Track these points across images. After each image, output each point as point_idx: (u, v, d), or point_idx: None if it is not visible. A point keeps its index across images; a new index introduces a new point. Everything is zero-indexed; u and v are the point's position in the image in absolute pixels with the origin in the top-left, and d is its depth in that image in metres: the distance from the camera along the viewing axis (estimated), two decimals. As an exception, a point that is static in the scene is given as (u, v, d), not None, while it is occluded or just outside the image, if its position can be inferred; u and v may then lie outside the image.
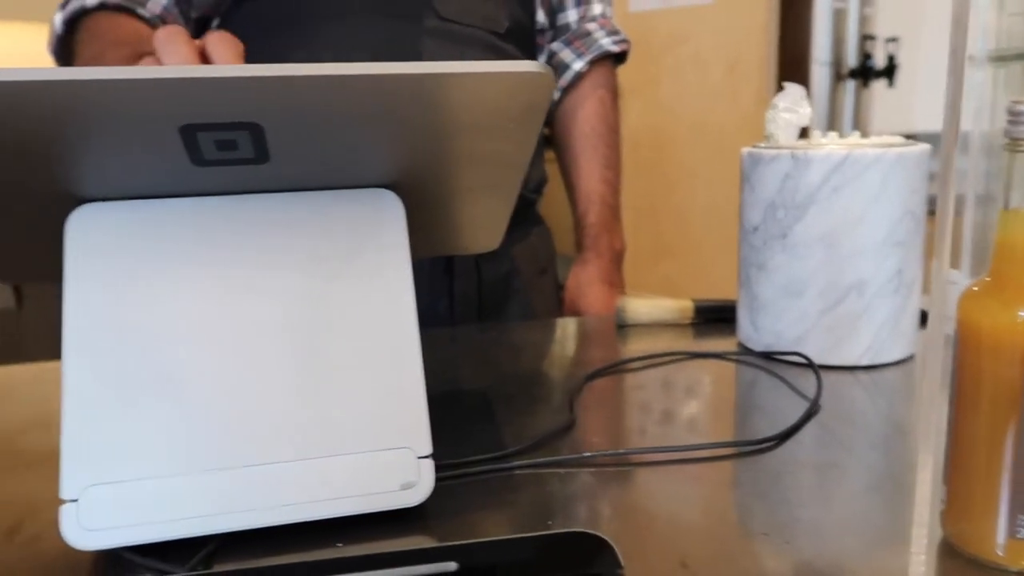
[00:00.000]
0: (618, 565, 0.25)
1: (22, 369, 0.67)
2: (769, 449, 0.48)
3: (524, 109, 0.39)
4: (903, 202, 0.58)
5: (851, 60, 2.11)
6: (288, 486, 0.38)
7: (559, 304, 0.94)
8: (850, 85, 2.13)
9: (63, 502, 0.36)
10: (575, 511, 0.40)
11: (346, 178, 0.43)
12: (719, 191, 1.88)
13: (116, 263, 0.40)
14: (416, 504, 0.39)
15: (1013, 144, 0.32)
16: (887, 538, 0.38)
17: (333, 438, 0.39)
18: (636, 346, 0.70)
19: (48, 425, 0.54)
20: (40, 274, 0.46)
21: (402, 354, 0.41)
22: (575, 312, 0.89)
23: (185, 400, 0.38)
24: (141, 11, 0.76)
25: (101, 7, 0.75)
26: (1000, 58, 0.65)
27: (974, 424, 0.34)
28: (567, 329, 0.80)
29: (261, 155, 0.39)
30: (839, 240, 0.58)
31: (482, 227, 0.51)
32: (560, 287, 0.96)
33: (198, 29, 0.82)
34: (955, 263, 0.68)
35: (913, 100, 2.23)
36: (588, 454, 0.47)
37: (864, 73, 2.07)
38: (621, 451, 0.47)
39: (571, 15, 0.88)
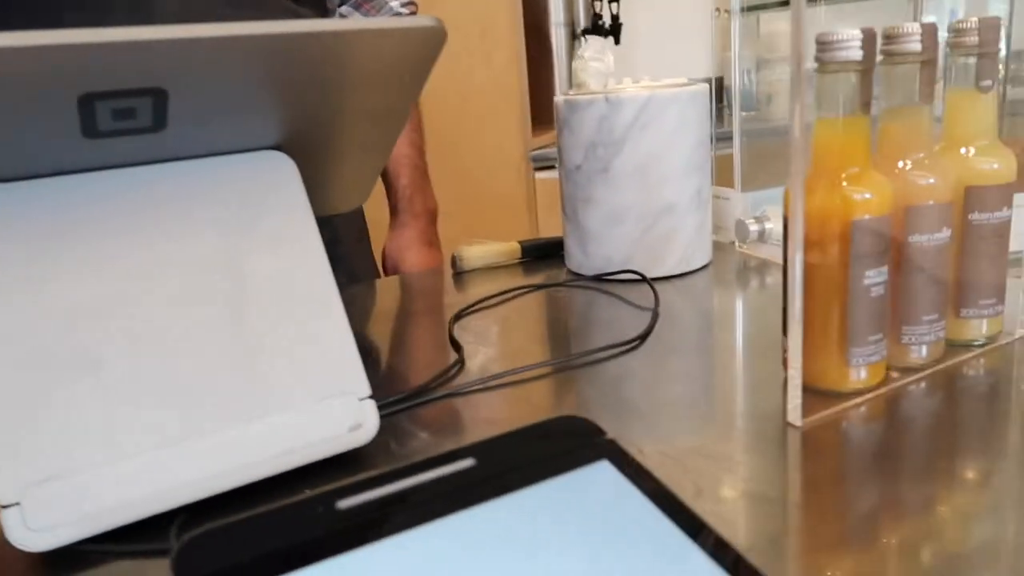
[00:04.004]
0: (604, 433, 0.30)
1: None
2: (635, 348, 0.56)
3: (417, 62, 0.42)
4: (696, 132, 0.69)
5: (582, 20, 2.30)
6: (241, 448, 0.39)
7: (375, 269, 0.97)
8: (585, 43, 2.32)
9: (3, 507, 0.34)
10: (502, 419, 0.45)
11: (234, 142, 0.43)
12: (483, 148, 1.98)
13: (9, 249, 0.36)
14: (366, 443, 0.42)
15: (822, 67, 0.41)
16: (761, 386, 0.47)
17: (275, 395, 0.40)
18: (481, 288, 0.75)
19: None
20: None
21: (324, 304, 0.43)
22: (397, 274, 0.91)
23: (115, 380, 0.37)
24: None
25: None
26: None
27: (814, 286, 0.43)
28: (408, 284, 0.83)
29: (159, 123, 0.38)
30: (651, 170, 0.68)
31: (355, 185, 0.53)
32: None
33: None
34: (728, 185, 0.82)
35: (635, 54, 2.49)
36: (501, 372, 0.51)
37: (596, 32, 2.27)
38: (525, 367, 0.53)
39: None
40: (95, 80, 0.34)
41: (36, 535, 0.34)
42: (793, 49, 0.36)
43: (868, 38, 0.40)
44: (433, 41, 0.41)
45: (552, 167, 1.99)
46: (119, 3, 0.68)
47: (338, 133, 0.46)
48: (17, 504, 0.34)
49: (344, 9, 0.89)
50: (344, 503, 0.28)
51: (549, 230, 1.96)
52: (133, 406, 0.37)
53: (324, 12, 0.85)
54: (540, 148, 1.99)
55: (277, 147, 0.44)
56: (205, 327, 0.40)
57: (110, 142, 0.38)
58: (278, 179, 0.43)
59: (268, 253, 0.42)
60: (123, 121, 0.37)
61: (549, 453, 0.31)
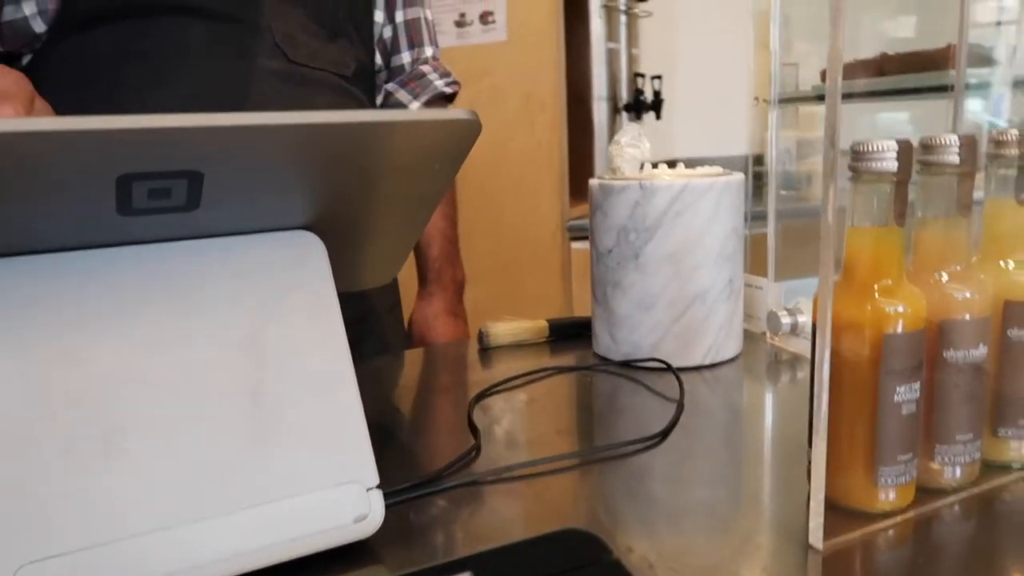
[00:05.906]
0: (610, 553, 0.29)
1: None
2: (656, 445, 0.54)
3: (451, 153, 0.42)
4: (730, 221, 0.68)
5: (624, 95, 2.33)
6: (243, 534, 0.38)
7: (405, 338, 0.97)
8: (624, 117, 2.36)
9: (-1, 585, 0.33)
10: (513, 517, 0.44)
11: (264, 222, 0.43)
12: (521, 215, 1.99)
13: (27, 322, 0.37)
14: (370, 535, 0.41)
15: (856, 176, 0.40)
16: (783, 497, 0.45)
17: (282, 480, 0.40)
18: (506, 366, 0.75)
19: None
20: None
21: (340, 390, 0.42)
22: (424, 344, 0.92)
23: (121, 459, 0.37)
24: None
25: None
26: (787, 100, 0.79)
27: (841, 399, 0.42)
28: (433, 357, 0.83)
29: (192, 202, 0.39)
30: (683, 257, 0.67)
31: (384, 262, 0.53)
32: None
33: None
34: (762, 272, 0.81)
35: (675, 130, 2.52)
36: (513, 464, 0.50)
37: (637, 107, 2.30)
38: (542, 459, 0.51)
39: (405, 57, 0.92)
40: (134, 162, 0.35)
41: (30, 615, 0.34)
42: (825, 164, 0.36)
43: (904, 149, 0.39)
44: (467, 133, 0.41)
45: (588, 238, 1.99)
46: (173, 78, 0.70)
47: (369, 215, 0.47)
48: (13, 582, 0.34)
49: (390, 86, 0.91)
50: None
51: (582, 300, 1.95)
52: (139, 485, 0.37)
53: (372, 88, 0.88)
54: (577, 219, 2.00)
55: (307, 227, 0.45)
56: (221, 406, 0.39)
57: (143, 219, 0.39)
58: (305, 259, 0.44)
59: (288, 333, 0.42)
60: (158, 200, 0.38)
61: (550, 571, 0.30)
